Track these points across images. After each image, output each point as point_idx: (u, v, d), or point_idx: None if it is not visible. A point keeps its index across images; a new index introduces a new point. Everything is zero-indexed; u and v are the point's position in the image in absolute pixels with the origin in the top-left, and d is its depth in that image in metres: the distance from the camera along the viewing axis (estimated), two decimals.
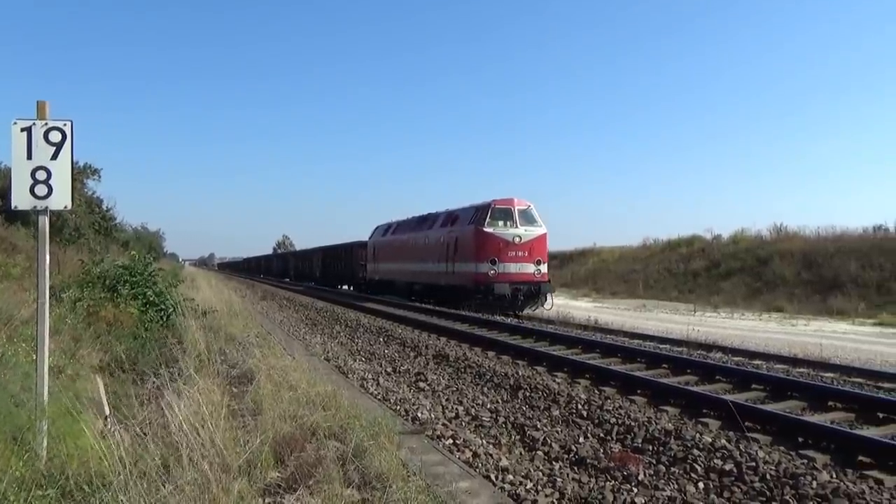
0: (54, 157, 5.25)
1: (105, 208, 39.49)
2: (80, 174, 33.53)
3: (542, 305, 22.76)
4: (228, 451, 4.70)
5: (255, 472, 4.72)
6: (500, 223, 22.94)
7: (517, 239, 22.62)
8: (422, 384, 9.99)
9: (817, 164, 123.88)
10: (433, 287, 26.97)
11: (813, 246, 34.24)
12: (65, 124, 5.28)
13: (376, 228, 37.93)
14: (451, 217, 26.47)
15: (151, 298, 12.89)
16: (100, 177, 38.21)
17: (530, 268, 22.79)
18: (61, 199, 5.26)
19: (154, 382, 7.44)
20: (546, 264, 23.56)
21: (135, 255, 16.01)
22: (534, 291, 22.57)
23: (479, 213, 23.48)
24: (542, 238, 23.50)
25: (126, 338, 10.03)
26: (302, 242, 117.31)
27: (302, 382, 7.44)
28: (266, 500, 4.48)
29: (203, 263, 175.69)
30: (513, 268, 22.53)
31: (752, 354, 13.32)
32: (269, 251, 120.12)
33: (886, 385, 10.05)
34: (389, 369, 11.39)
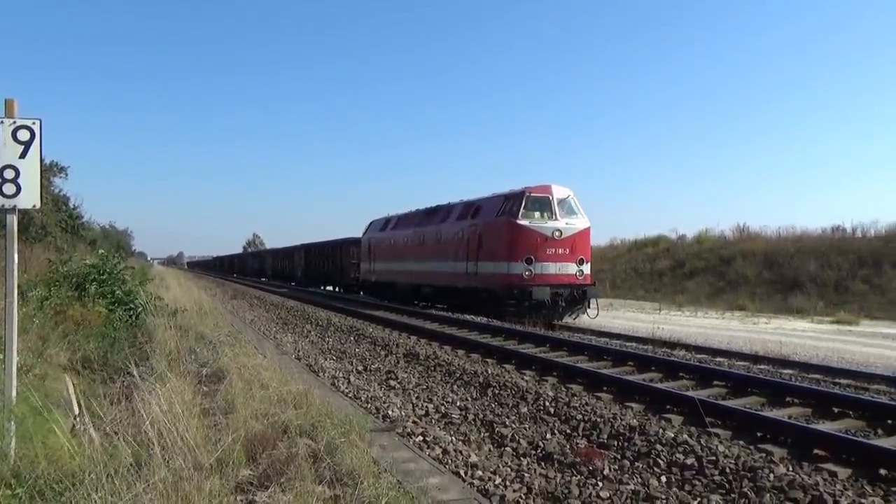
0: (22, 155, 5.17)
1: (72, 206, 38.70)
2: (47, 172, 32.87)
3: (586, 313, 19.34)
4: (200, 449, 4.68)
5: (228, 469, 4.71)
6: (536, 215, 19.23)
7: (557, 234, 18.97)
8: (392, 382, 10.01)
9: (780, 165, 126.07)
10: (448, 290, 22.97)
11: (774, 246, 34.88)
12: (33, 122, 5.21)
13: (371, 223, 33.29)
14: (470, 208, 22.37)
15: (120, 297, 12.73)
16: (67, 175, 37.45)
17: (572, 268, 19.17)
18: (30, 197, 5.19)
19: (124, 381, 7.39)
20: (589, 264, 19.92)
21: (103, 253, 15.79)
22: (577, 296, 19.09)
23: (511, 202, 19.67)
24: (586, 233, 19.81)
25: (95, 337, 9.89)
26: (272, 242, 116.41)
27: (273, 381, 7.42)
28: (238, 498, 4.48)
29: (172, 262, 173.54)
30: (552, 268, 18.99)
31: (715, 352, 13.55)
32: (239, 250, 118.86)
33: (843, 381, 10.30)
34: (360, 368, 11.39)
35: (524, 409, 8.08)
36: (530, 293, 18.08)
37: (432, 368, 11.14)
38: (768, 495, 5.02)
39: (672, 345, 14.04)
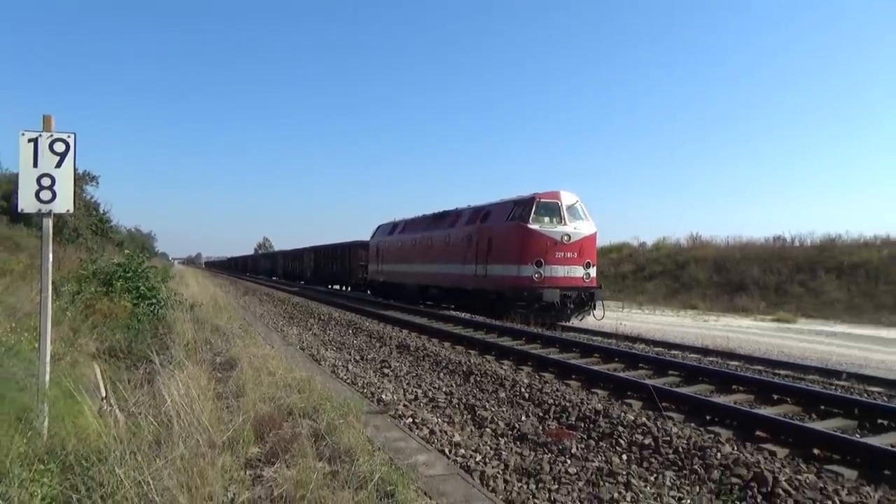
0: (58, 165, 5.13)
1: (102, 211, 38.38)
2: (80, 180, 32.58)
3: (593, 314, 18.05)
4: (214, 429, 4.65)
5: (238, 447, 4.68)
6: (546, 219, 17.90)
7: (566, 238, 17.64)
8: (386, 370, 9.97)
9: (729, 181, 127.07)
10: (456, 291, 21.58)
11: (723, 253, 35.05)
12: (69, 136, 5.17)
13: (379, 228, 31.65)
14: (479, 213, 20.92)
15: (144, 292, 12.63)
16: (98, 183, 37.13)
17: (579, 271, 17.87)
18: (64, 203, 5.15)
19: (146, 368, 7.34)
20: (595, 267, 18.64)
21: (128, 253, 15.67)
22: (584, 298, 17.91)
23: (521, 207, 18.32)
24: (593, 238, 18.54)
25: (121, 328, 9.81)
26: (280, 245, 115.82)
27: (280, 369, 7.39)
28: (248, 473, 4.45)
29: (191, 262, 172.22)
30: (560, 271, 17.67)
31: (670, 345, 13.59)
32: (251, 252, 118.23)
33: (782, 372, 10.35)
34: (357, 357, 11.34)
35: (502, 395, 8.08)
36: (540, 295, 16.91)
37: (421, 358, 11.11)
38: (716, 472, 5.04)
39: (633, 339, 14.07)
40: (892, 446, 5.84)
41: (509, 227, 18.50)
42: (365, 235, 35.15)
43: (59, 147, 5.13)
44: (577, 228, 17.97)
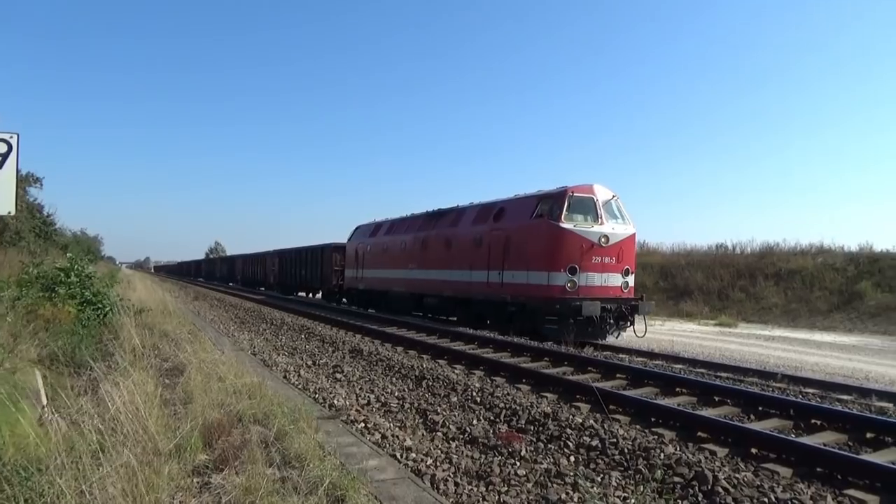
0: (0, 166, 4.95)
1: (46, 214, 36.97)
2: (23, 182, 31.36)
3: (633, 330, 14.98)
4: (160, 437, 4.54)
5: (186, 454, 4.58)
6: (579, 218, 14.94)
7: (603, 240, 14.68)
8: (338, 375, 9.89)
9: (673, 190, 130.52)
10: (460, 302, 18.39)
11: (668, 260, 35.95)
12: (11, 136, 4.99)
13: (358, 229, 28.11)
14: (490, 211, 17.78)
15: (89, 298, 12.22)
16: (42, 185, 35.76)
17: (617, 279, 15.03)
18: (5, 205, 4.98)
19: (91, 375, 7.10)
20: (634, 275, 15.69)
21: (72, 257, 15.14)
22: (625, 312, 14.82)
23: (549, 204, 15.37)
24: (632, 240, 15.58)
25: (64, 334, 9.47)
26: (233, 250, 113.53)
27: (230, 374, 7.24)
28: (195, 480, 4.36)
29: (139, 266, 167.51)
30: (597, 279, 14.72)
31: (617, 349, 13.86)
32: (202, 256, 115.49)
33: (723, 374, 10.66)
34: (310, 362, 11.21)
35: (454, 399, 8.10)
36: (578, 308, 13.85)
37: (374, 363, 11.05)
38: (659, 471, 5.16)
39: (582, 343, 14.29)
40: (824, 445, 6.09)
41: (535, 226, 15.48)
42: (336, 239, 32.17)
43: (2, 147, 4.95)
44: (616, 229, 15.04)
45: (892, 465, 5.34)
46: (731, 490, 4.74)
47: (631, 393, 8.40)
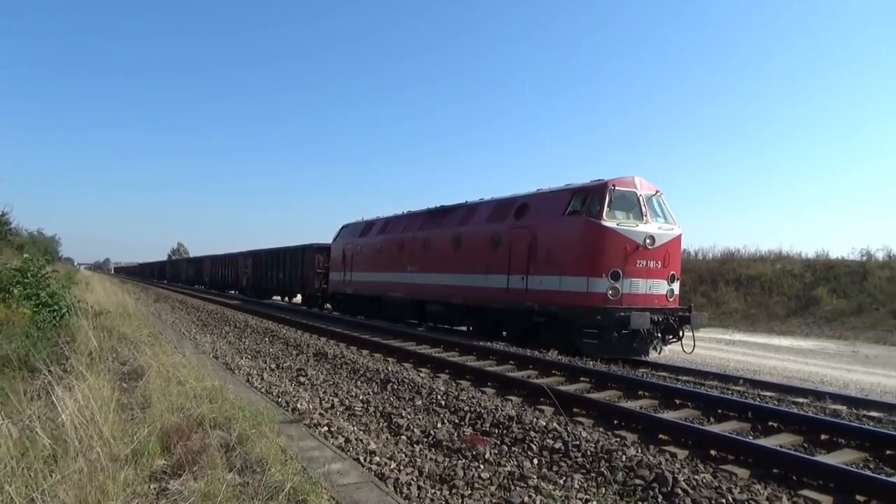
0: None
1: (0, 213, 35.95)
2: None
3: (681, 345, 12.93)
4: (117, 442, 4.44)
5: (143, 460, 4.48)
6: (621, 215, 13.07)
7: (649, 241, 12.81)
8: (302, 378, 9.79)
9: None
10: (475, 310, 16.35)
11: None
12: None
13: (346, 227, 25.64)
14: (510, 207, 15.61)
15: (44, 299, 11.91)
16: None
17: (663, 286, 13.16)
18: None
19: (45, 379, 6.90)
20: (679, 282, 13.80)
21: (27, 257, 14.73)
22: (673, 324, 12.79)
23: (586, 198, 13.37)
24: (678, 242, 13.65)
25: (18, 337, 9.20)
26: (195, 252, 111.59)
27: (190, 378, 7.10)
28: (152, 486, 4.27)
29: (99, 268, 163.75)
30: (641, 286, 12.87)
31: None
32: (164, 258, 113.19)
33: (684, 377, 10.86)
34: (273, 366, 11.07)
35: (419, 402, 8.08)
36: (625, 319, 12.04)
37: (339, 366, 10.97)
38: (620, 474, 5.22)
39: (547, 347, 14.36)
40: (780, 447, 6.23)
41: (569, 224, 13.49)
42: (314, 241, 30.57)
43: None
44: (662, 229, 13.22)
45: (844, 466, 5.50)
46: (691, 491, 4.82)
47: (594, 396, 8.49)
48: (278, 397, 8.19)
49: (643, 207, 13.18)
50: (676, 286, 13.50)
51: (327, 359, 11.77)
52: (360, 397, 8.42)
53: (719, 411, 7.85)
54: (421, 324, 19.07)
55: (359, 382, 9.60)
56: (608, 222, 12.72)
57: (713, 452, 6.04)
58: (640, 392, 8.90)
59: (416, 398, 8.32)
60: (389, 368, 10.44)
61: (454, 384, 9.38)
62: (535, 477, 5.18)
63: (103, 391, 5.27)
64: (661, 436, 6.58)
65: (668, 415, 7.58)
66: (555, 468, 5.55)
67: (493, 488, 4.99)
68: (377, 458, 5.63)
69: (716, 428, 6.94)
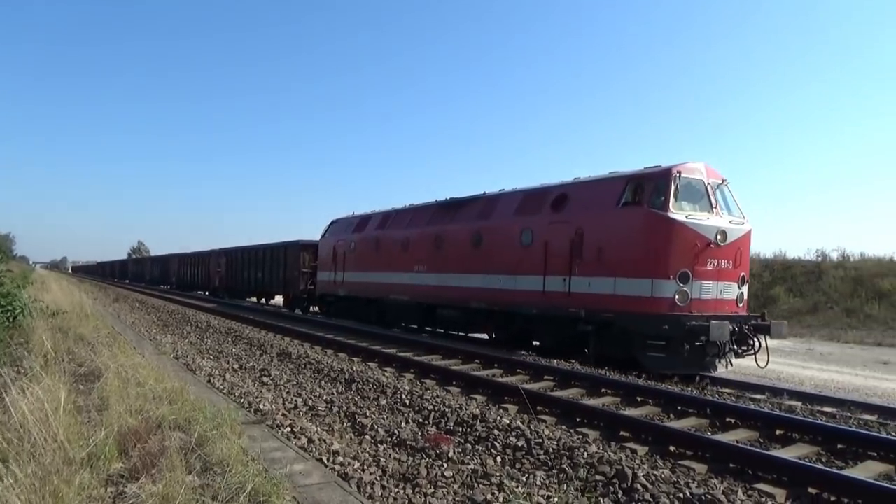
0: None
1: None
2: None
3: (755, 359, 10.91)
4: (72, 445, 4.35)
5: (99, 463, 4.40)
6: (689, 207, 11.23)
7: (720, 238, 11.02)
8: (265, 379, 9.69)
9: None
10: (500, 316, 14.43)
11: None
12: None
13: (336, 222, 23.43)
14: (543, 197, 13.73)
15: None
16: None
17: (733, 290, 11.40)
18: None
19: None
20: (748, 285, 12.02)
21: None
22: (747, 335, 10.91)
23: (647, 186, 11.45)
24: (748, 239, 11.79)
25: None
26: (157, 251, 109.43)
27: (150, 379, 6.99)
28: (108, 490, 4.19)
29: (55, 267, 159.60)
30: (711, 290, 11.04)
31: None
32: (124, 257, 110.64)
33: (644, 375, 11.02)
34: (236, 366, 10.93)
35: (383, 402, 8.07)
36: (700, 329, 10.32)
37: (303, 366, 10.89)
38: (582, 470, 5.29)
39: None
40: (737, 442, 6.40)
41: (627, 217, 11.65)
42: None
43: None
44: (733, 224, 11.48)
45: (798, 461, 5.66)
46: (650, 487, 4.91)
47: (558, 394, 8.59)
48: (240, 398, 8.10)
49: (711, 198, 11.47)
50: (746, 290, 11.84)
51: (291, 359, 11.68)
52: (324, 397, 8.38)
53: (679, 408, 8.02)
54: (423, 329, 17.74)
55: (323, 382, 9.55)
56: (676, 214, 10.86)
57: (672, 448, 6.17)
58: (602, 390, 9.03)
59: (380, 398, 8.31)
60: (354, 368, 10.41)
61: (419, 383, 9.40)
62: (498, 475, 5.22)
63: (59, 393, 5.15)
64: (622, 432, 6.70)
65: (630, 412, 7.72)
66: (518, 466, 5.60)
67: (456, 486, 5.02)
68: (340, 458, 5.62)
69: (675, 424, 7.09)
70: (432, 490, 4.92)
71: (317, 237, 25.13)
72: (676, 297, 10.73)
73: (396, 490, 4.90)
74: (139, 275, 68.71)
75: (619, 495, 4.85)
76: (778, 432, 6.96)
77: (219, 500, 3.90)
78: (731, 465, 5.64)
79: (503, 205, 14.96)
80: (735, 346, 10.95)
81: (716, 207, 11.36)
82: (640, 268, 11.12)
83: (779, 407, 8.47)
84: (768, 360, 10.96)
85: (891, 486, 5.08)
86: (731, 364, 11.37)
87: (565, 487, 4.99)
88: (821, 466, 5.69)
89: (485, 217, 15.26)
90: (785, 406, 8.59)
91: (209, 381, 9.28)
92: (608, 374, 10.31)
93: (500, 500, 4.71)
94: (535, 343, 13.93)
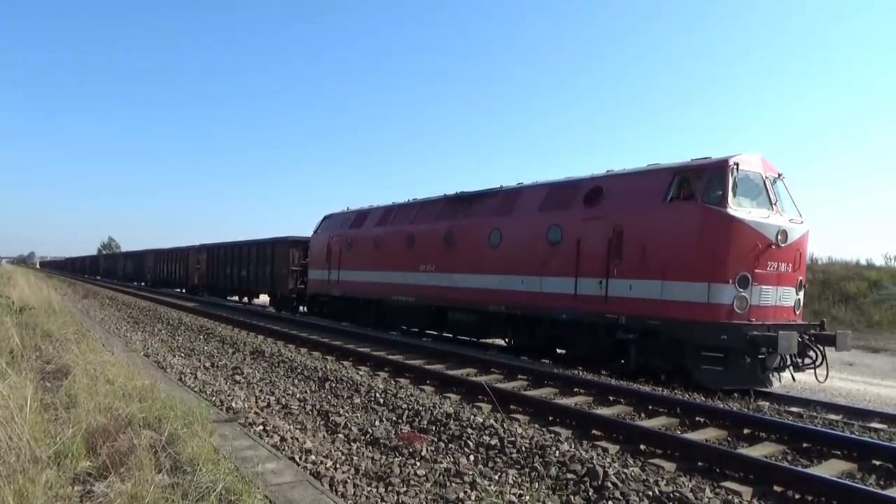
0: None
1: None
2: None
3: (815, 373, 9.99)
4: (38, 443, 4.29)
5: (66, 462, 4.34)
6: (747, 203, 10.30)
7: (781, 238, 10.07)
8: (238, 377, 9.61)
9: None
10: (523, 321, 13.39)
11: None
12: None
13: (330, 217, 22.02)
14: (574, 191, 12.64)
15: None
16: None
17: (791, 296, 10.46)
18: None
19: None
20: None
21: None
22: (808, 345, 9.98)
23: (701, 178, 10.43)
24: (806, 240, 10.89)
25: None
26: (128, 247, 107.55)
27: (120, 377, 6.92)
28: (76, 489, 4.13)
29: (23, 262, 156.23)
30: (771, 295, 10.07)
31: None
32: (94, 252, 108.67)
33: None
34: (208, 364, 10.82)
35: (357, 401, 8.06)
36: (763, 340, 9.43)
37: (276, 364, 10.82)
38: (553, 468, 5.35)
39: (486, 346, 14.51)
40: (706, 441, 6.51)
41: (678, 213, 10.57)
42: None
43: None
44: (793, 222, 10.59)
45: (764, 459, 5.78)
46: (620, 485, 4.97)
47: (531, 393, 8.66)
48: (212, 396, 8.03)
49: (770, 193, 10.52)
50: (802, 296, 10.91)
51: (264, 357, 11.59)
52: (298, 396, 8.34)
53: (650, 407, 8.12)
54: (423, 333, 16.82)
55: (296, 381, 9.50)
56: (736, 211, 9.89)
57: (643, 447, 6.25)
58: (575, 389, 9.11)
59: (354, 396, 8.30)
60: (328, 367, 10.37)
61: (393, 382, 9.40)
62: (470, 473, 5.25)
63: (25, 390, 5.08)
64: (594, 431, 6.77)
65: (602, 411, 7.80)
66: (490, 464, 5.63)
67: (428, 485, 5.04)
68: (313, 457, 5.60)
69: (646, 423, 7.20)
70: (405, 488, 4.93)
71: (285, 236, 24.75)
72: (735, 303, 9.76)
73: (369, 489, 4.90)
74: (111, 271, 66.82)
75: (590, 493, 4.91)
76: (746, 431, 7.08)
77: (189, 498, 3.87)
78: (699, 464, 5.73)
79: (525, 199, 13.88)
80: (797, 359, 10.09)
81: (775, 204, 10.46)
82: (695, 270, 10.09)
83: (747, 406, 8.62)
84: (827, 375, 9.95)
85: (853, 484, 5.22)
86: (781, 380, 10.42)
87: (537, 486, 5.03)
88: (786, 465, 5.81)
89: (504, 212, 14.17)
90: (753, 406, 8.74)
91: (180, 379, 9.19)
92: (581, 374, 10.41)
93: (473, 498, 4.74)
94: (559, 351, 13.00)
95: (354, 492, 4.82)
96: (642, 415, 7.91)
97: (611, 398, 8.63)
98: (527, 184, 14.39)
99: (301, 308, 24.80)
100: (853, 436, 6.86)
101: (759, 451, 6.22)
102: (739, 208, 9.95)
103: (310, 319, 20.25)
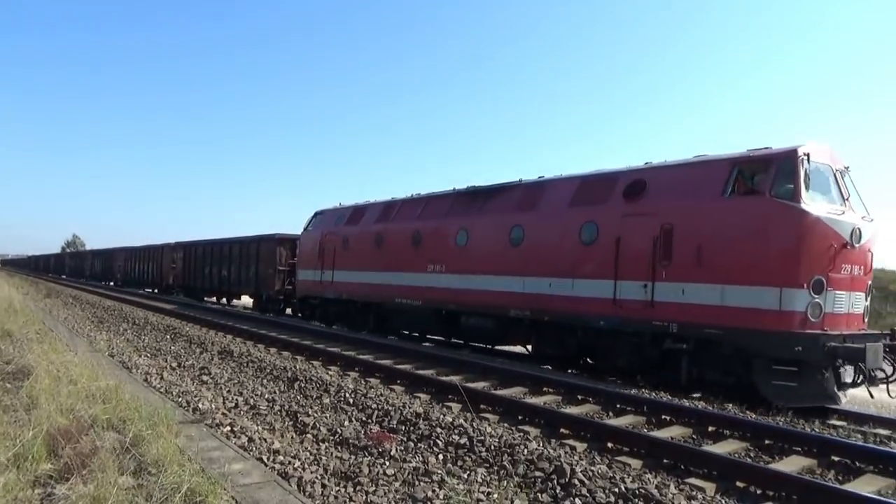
0: None
1: None
2: None
3: (888, 389, 9.14)
4: None
5: (26, 464, 4.25)
6: (820, 198, 9.22)
7: (855, 237, 9.06)
8: (205, 378, 9.49)
9: None
10: (552, 328, 12.02)
11: None
12: None
13: (322, 214, 20.47)
14: (611, 184, 11.40)
15: None
16: None
17: (861, 302, 9.50)
18: None
19: None
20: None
21: None
22: (887, 357, 9.22)
23: (765, 170, 9.39)
24: (874, 241, 9.79)
25: None
26: (94, 245, 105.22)
27: (83, 377, 6.79)
28: (36, 492, 4.06)
29: None
30: (844, 302, 9.08)
31: (492, 352, 14.22)
32: (58, 251, 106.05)
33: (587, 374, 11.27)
34: (174, 364, 10.66)
35: (327, 400, 8.02)
36: (845, 352, 8.55)
37: (245, 364, 10.71)
38: (521, 466, 5.40)
39: (459, 346, 14.54)
40: (671, 438, 6.62)
41: (741, 208, 9.44)
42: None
43: None
44: (865, 219, 9.61)
45: (727, 456, 5.91)
46: (587, 482, 5.04)
47: (501, 392, 8.71)
48: (179, 397, 7.92)
49: (842, 188, 9.57)
50: (869, 302, 9.93)
51: (233, 357, 11.47)
52: (266, 396, 8.27)
53: (618, 406, 8.23)
54: (424, 338, 15.81)
55: (265, 381, 9.42)
56: (811, 207, 8.79)
57: (610, 445, 6.33)
58: (544, 388, 9.19)
59: (323, 396, 8.26)
60: (297, 367, 10.30)
61: (363, 382, 9.38)
62: (439, 472, 5.27)
63: None
64: (562, 430, 6.84)
65: (571, 410, 7.89)
66: (459, 463, 5.66)
67: (397, 484, 5.05)
68: (281, 458, 5.57)
69: (614, 422, 7.30)
70: (374, 488, 4.93)
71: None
72: (808, 310, 8.69)
73: (337, 489, 4.90)
74: (78, 270, 64.17)
75: (557, 491, 4.97)
76: (710, 429, 7.22)
77: (153, 500, 3.83)
78: (664, 461, 5.83)
79: (552, 194, 12.59)
80: (873, 373, 9.08)
81: (847, 200, 9.48)
82: (764, 273, 8.97)
83: (712, 405, 8.77)
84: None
85: (812, 479, 5.37)
86: (846, 398, 9.42)
87: (505, 484, 5.07)
88: (749, 461, 5.94)
89: (527, 208, 12.87)
90: (718, 404, 8.90)
91: (146, 380, 9.05)
92: (549, 374, 10.49)
93: (441, 497, 4.76)
94: (589, 361, 11.93)
95: (323, 492, 4.81)
96: (610, 413, 8.00)
97: (579, 397, 8.73)
98: (551, 177, 13.25)
99: (287, 311, 23.64)
100: (813, 432, 7.05)
101: (722, 448, 6.35)
102: (812, 206, 8.83)
103: (282, 320, 20.09)
